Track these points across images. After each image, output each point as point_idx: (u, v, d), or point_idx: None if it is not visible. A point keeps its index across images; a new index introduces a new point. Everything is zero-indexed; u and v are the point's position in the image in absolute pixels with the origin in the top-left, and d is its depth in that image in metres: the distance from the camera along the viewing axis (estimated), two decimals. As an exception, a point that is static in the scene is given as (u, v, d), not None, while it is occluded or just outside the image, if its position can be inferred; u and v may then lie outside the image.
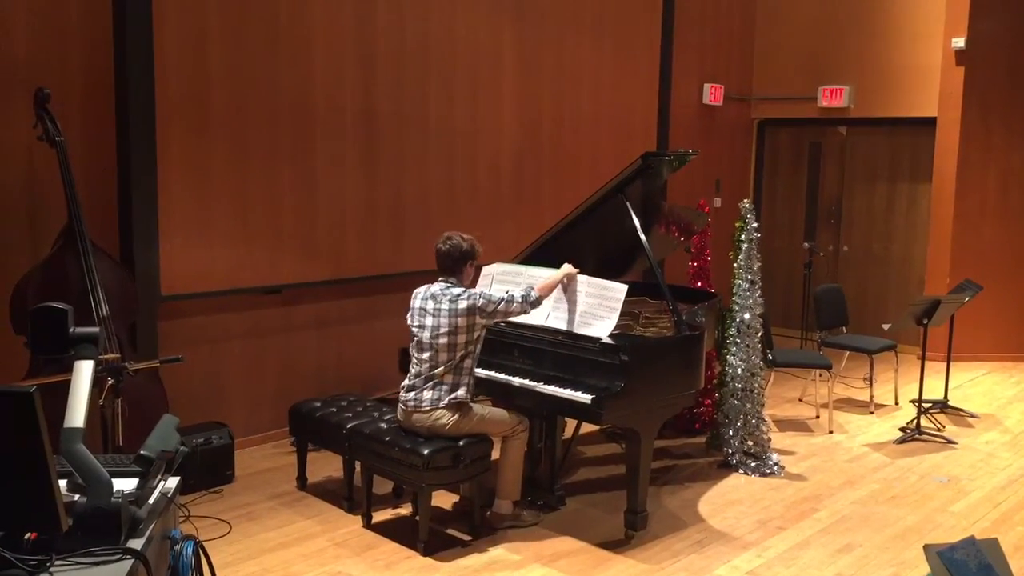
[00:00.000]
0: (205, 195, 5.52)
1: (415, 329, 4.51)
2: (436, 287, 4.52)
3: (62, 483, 2.30)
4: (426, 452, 4.34)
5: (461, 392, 4.43)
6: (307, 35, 5.92)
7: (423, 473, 4.35)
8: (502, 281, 5.00)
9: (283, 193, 5.90)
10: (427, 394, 4.42)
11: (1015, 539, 4.74)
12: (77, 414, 2.31)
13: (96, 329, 2.51)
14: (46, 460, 2.07)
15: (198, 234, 5.49)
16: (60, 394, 2.43)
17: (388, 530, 4.69)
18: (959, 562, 2.38)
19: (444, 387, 4.41)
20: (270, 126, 5.78)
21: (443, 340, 4.39)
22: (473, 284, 4.78)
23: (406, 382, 4.53)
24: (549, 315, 4.75)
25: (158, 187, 5.25)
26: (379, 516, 4.80)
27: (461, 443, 4.43)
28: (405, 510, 4.92)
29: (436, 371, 4.41)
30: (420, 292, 4.56)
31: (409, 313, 4.57)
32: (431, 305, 4.46)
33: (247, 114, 5.66)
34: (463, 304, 4.38)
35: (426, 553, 4.39)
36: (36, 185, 4.88)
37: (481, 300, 4.40)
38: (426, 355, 4.44)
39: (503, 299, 4.43)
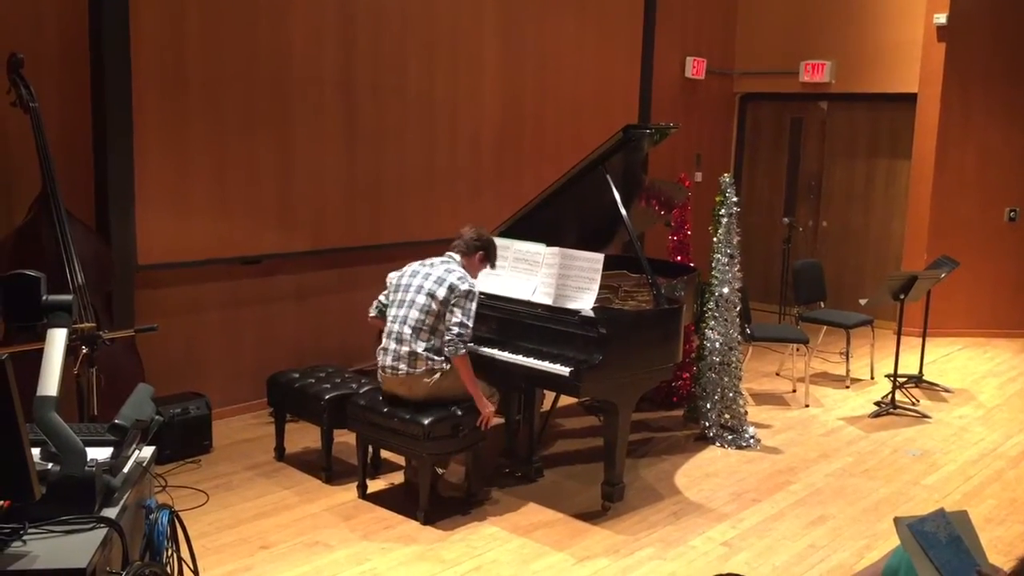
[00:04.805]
0: (182, 163, 5.46)
1: (398, 288, 4.52)
2: (436, 259, 4.58)
3: (35, 452, 2.28)
4: (426, 422, 4.34)
5: (436, 361, 4.42)
6: (286, 3, 5.84)
7: (424, 443, 4.36)
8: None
9: (261, 163, 5.84)
10: (403, 361, 4.42)
11: (986, 511, 4.81)
12: (50, 382, 2.29)
13: (69, 297, 2.48)
14: (18, 428, 2.06)
15: (175, 203, 5.44)
16: (33, 363, 2.40)
17: (365, 501, 4.70)
18: (929, 534, 2.41)
19: (420, 355, 4.40)
20: (248, 94, 5.71)
21: (422, 299, 4.40)
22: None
23: (381, 346, 4.53)
24: (536, 290, 4.75)
25: (134, 155, 5.18)
26: (355, 488, 4.80)
27: (460, 412, 4.45)
28: (383, 482, 4.93)
29: (410, 336, 4.40)
30: (417, 261, 4.61)
31: (397, 273, 4.59)
32: (424, 270, 4.51)
33: (225, 82, 5.59)
34: (454, 280, 4.39)
35: (426, 522, 4.42)
36: (10, 152, 4.81)
37: (463, 298, 4.37)
38: (403, 312, 4.45)
39: (461, 322, 4.35)
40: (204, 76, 5.49)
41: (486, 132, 7.31)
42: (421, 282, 4.46)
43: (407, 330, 4.41)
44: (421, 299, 4.41)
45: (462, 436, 4.47)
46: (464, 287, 4.40)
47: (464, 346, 4.37)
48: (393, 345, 4.46)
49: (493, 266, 4.76)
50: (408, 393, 4.46)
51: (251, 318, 5.98)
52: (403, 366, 4.42)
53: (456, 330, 4.35)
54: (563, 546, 4.28)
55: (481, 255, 4.64)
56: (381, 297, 4.68)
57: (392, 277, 4.64)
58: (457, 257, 4.58)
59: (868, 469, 5.42)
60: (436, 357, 4.41)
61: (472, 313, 4.40)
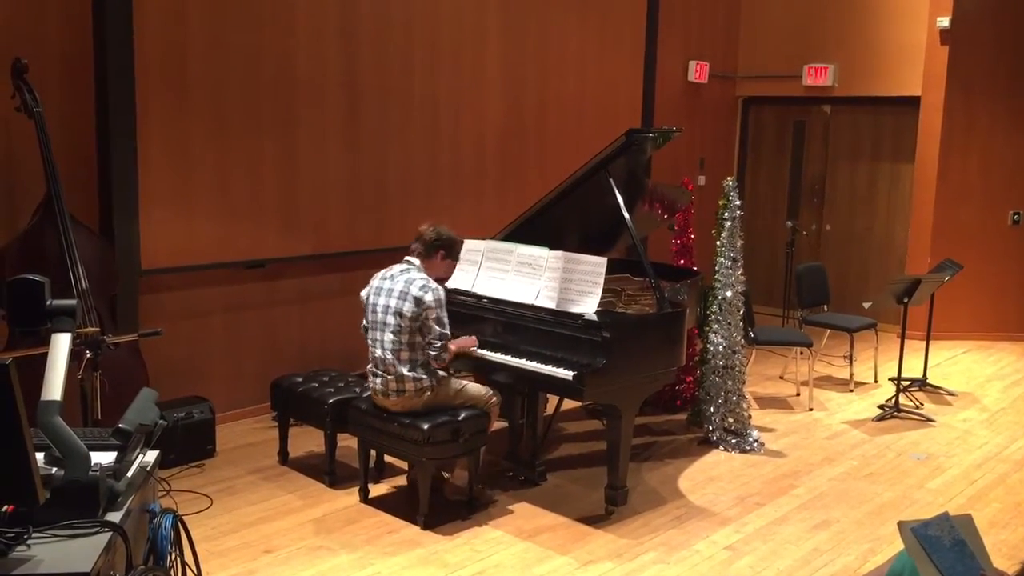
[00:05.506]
0: (186, 168, 5.47)
1: (368, 310, 4.49)
2: (396, 267, 4.50)
3: (39, 456, 2.28)
4: (426, 427, 4.34)
5: (424, 379, 4.41)
6: (290, 6, 5.85)
7: (423, 448, 4.36)
8: (492, 259, 4.99)
9: (265, 166, 5.85)
10: (392, 385, 4.41)
11: (990, 515, 4.80)
12: (54, 387, 2.29)
13: (73, 301, 2.48)
14: (22, 432, 2.06)
15: (179, 207, 5.45)
16: (37, 367, 2.41)
17: (368, 505, 4.70)
18: (933, 538, 2.40)
19: (406, 377, 4.39)
20: (251, 98, 5.73)
21: (391, 320, 4.37)
22: (448, 274, 4.77)
23: (369, 367, 4.51)
24: (539, 294, 4.75)
25: (138, 159, 5.20)
26: (358, 492, 4.80)
27: (460, 417, 4.44)
28: (386, 486, 4.93)
29: (392, 359, 4.37)
30: (379, 273, 4.55)
31: (366, 292, 4.55)
32: (387, 285, 4.45)
33: (228, 86, 5.60)
34: (417, 291, 4.33)
35: (426, 527, 4.42)
36: (14, 157, 4.82)
37: (434, 309, 4.33)
38: (379, 335, 4.42)
39: (440, 333, 4.35)
40: (207, 80, 5.50)
41: (489, 136, 7.31)
42: (386, 301, 4.39)
43: (388, 355, 4.39)
44: (390, 319, 4.37)
45: (462, 440, 4.46)
46: (430, 297, 4.32)
47: (448, 351, 4.41)
48: (379, 370, 4.45)
49: (456, 260, 4.71)
50: (402, 410, 4.46)
51: (255, 322, 5.99)
52: (392, 392, 4.42)
53: (438, 342, 4.36)
54: (566, 550, 4.28)
55: (442, 254, 4.56)
56: (364, 321, 4.60)
57: (363, 296, 4.58)
58: (416, 262, 4.49)
59: (872, 473, 5.41)
60: (423, 375, 4.40)
61: (446, 319, 4.39)
